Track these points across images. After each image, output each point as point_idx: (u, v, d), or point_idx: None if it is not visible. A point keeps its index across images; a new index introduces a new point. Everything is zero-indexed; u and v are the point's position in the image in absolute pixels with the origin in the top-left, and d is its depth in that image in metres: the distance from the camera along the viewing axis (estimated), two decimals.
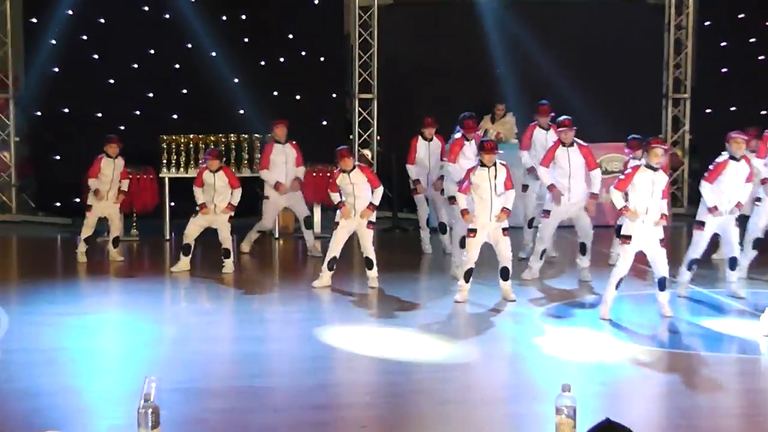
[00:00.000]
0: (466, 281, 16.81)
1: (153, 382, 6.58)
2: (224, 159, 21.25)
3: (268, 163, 20.77)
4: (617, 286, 15.54)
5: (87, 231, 19.88)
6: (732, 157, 16.83)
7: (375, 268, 17.77)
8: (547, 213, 18.30)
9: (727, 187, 16.98)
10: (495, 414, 11.93)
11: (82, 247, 19.91)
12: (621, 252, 15.83)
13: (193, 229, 18.98)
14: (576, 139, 18.11)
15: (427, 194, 20.42)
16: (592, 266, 18.45)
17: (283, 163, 20.35)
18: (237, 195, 19.15)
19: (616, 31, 26.43)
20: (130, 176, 21.20)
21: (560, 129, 18.31)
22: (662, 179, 15.65)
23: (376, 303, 17.31)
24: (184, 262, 18.96)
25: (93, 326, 16.04)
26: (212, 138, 22.32)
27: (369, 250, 17.76)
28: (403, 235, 22.69)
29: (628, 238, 15.45)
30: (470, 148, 18.50)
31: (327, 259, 17.81)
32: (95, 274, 19.46)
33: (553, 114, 19.48)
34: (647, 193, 15.45)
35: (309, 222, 20.74)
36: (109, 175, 19.88)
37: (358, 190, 17.59)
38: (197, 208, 18.98)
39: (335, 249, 17.69)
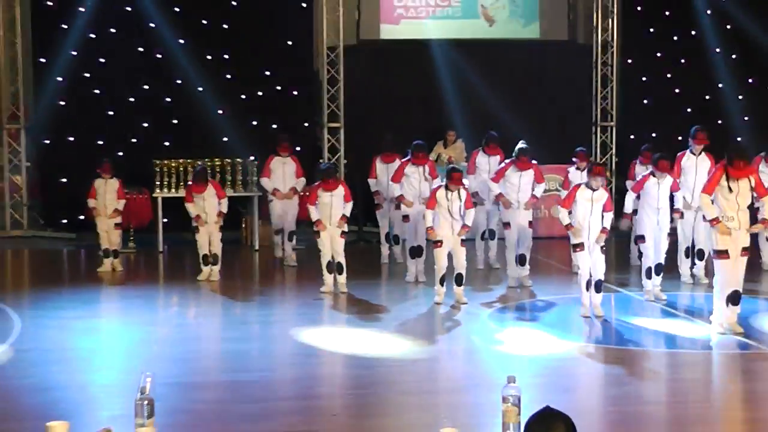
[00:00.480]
0: (441, 285, 16.98)
1: (148, 377, 6.59)
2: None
3: (269, 173, 20.93)
4: (587, 288, 15.78)
5: (103, 243, 20.06)
6: (652, 175, 17.01)
7: (344, 273, 17.90)
8: (507, 225, 18.46)
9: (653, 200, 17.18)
10: (450, 403, 12.07)
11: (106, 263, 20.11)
12: (578, 259, 16.11)
13: (204, 240, 19.12)
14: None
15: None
16: (535, 273, 18.62)
17: (281, 173, 20.40)
18: (225, 204, 19.33)
19: (552, 68, 26.60)
20: (128, 196, 21.34)
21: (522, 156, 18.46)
22: (602, 196, 15.87)
23: (346, 306, 17.37)
24: (206, 270, 19.07)
25: (96, 328, 16.16)
26: (199, 162, 22.38)
27: (341, 256, 17.87)
28: (367, 246, 22.77)
29: (580, 245, 15.75)
30: (415, 171, 18.63)
31: (324, 265, 17.90)
32: (97, 282, 19.52)
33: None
34: (587, 210, 15.66)
35: (291, 235, 20.81)
36: (102, 195, 19.96)
37: (337, 203, 17.78)
38: (194, 223, 19.11)
39: (328, 255, 17.83)
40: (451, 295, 17.08)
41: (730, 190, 14.84)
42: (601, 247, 15.78)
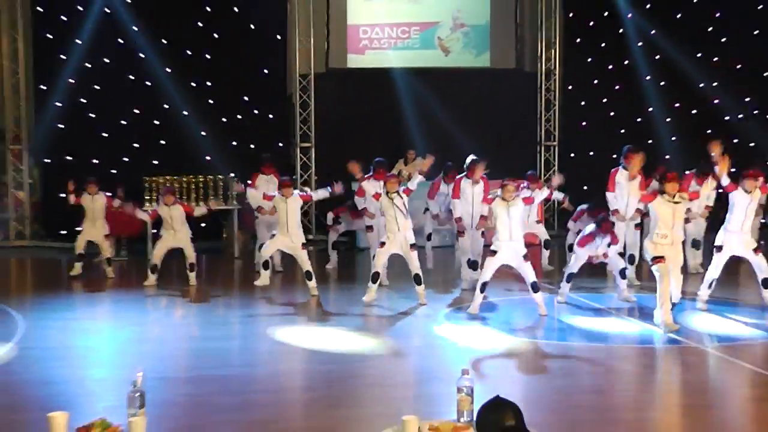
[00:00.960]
0: (374, 282, 17.12)
1: (139, 372, 6.61)
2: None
3: (255, 187, 20.84)
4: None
5: (77, 249, 20.02)
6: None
7: (314, 279, 17.90)
8: (461, 233, 18.54)
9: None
10: (410, 394, 12.11)
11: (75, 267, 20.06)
12: (487, 263, 16.16)
13: (160, 249, 19.12)
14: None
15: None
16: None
17: (265, 190, 20.29)
18: (199, 211, 19.56)
19: (501, 93, 26.71)
20: (120, 209, 21.37)
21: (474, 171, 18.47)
22: (517, 207, 16.08)
23: (315, 308, 17.42)
24: (152, 278, 19.14)
25: (92, 329, 16.16)
26: (185, 179, 22.38)
27: (307, 265, 17.94)
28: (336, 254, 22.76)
29: (494, 253, 15.96)
30: (376, 185, 18.62)
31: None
32: (92, 287, 19.48)
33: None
34: (505, 219, 15.88)
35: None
36: (92, 210, 19.94)
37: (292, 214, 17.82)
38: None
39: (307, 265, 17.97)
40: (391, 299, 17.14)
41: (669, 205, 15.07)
42: (524, 256, 16.00)
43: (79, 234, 20.12)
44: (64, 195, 21.54)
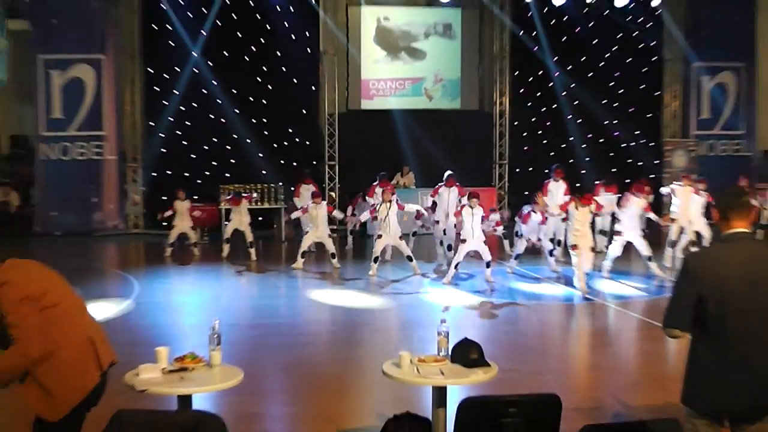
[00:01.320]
0: (375, 262, 17.13)
1: (216, 320, 6.62)
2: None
3: (299, 195, 21.08)
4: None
5: (170, 239, 20.09)
6: (533, 210, 17.16)
7: (336, 258, 17.92)
8: (437, 222, 18.40)
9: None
10: (409, 334, 12.24)
11: (168, 250, 20.12)
12: (460, 249, 16.27)
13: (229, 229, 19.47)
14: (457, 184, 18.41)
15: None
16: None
17: (307, 195, 20.25)
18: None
19: (468, 127, 26.70)
20: (201, 208, 21.64)
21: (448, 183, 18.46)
22: (478, 211, 16.14)
23: (336, 277, 17.41)
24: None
25: (184, 290, 16.27)
26: (248, 186, 22.42)
27: (332, 248, 18.03)
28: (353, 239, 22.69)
29: (464, 241, 16.03)
30: (378, 191, 18.63)
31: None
32: (184, 262, 19.54)
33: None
34: (470, 220, 15.83)
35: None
36: (181, 211, 19.98)
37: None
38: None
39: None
40: (390, 271, 17.16)
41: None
42: (483, 241, 16.10)
43: (172, 229, 20.11)
44: (165, 198, 21.61)
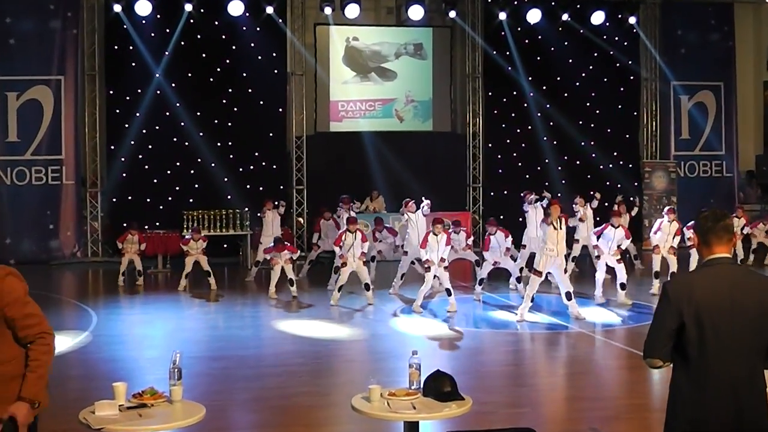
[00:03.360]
0: (338, 292, 17.07)
1: (178, 353, 6.58)
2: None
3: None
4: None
5: (122, 268, 20.06)
6: (490, 233, 17.22)
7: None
8: (405, 252, 18.49)
9: (496, 252, 17.39)
10: (377, 366, 12.15)
11: (120, 278, 20.02)
12: (427, 276, 16.36)
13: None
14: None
15: None
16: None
17: (270, 220, 20.57)
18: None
19: (440, 149, 26.72)
20: (164, 235, 21.61)
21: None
22: (443, 238, 16.23)
23: (299, 306, 17.36)
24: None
25: (144, 321, 16.15)
26: (212, 212, 22.37)
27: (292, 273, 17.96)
28: (322, 266, 22.60)
29: (429, 269, 16.19)
30: (343, 216, 18.81)
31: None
32: (144, 290, 19.40)
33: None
34: (436, 247, 15.85)
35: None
36: (131, 241, 19.93)
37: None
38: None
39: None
40: (352, 300, 17.13)
41: (555, 229, 15.15)
42: (445, 268, 16.14)
43: (123, 258, 20.11)
44: (125, 225, 21.47)
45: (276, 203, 21.01)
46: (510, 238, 17.68)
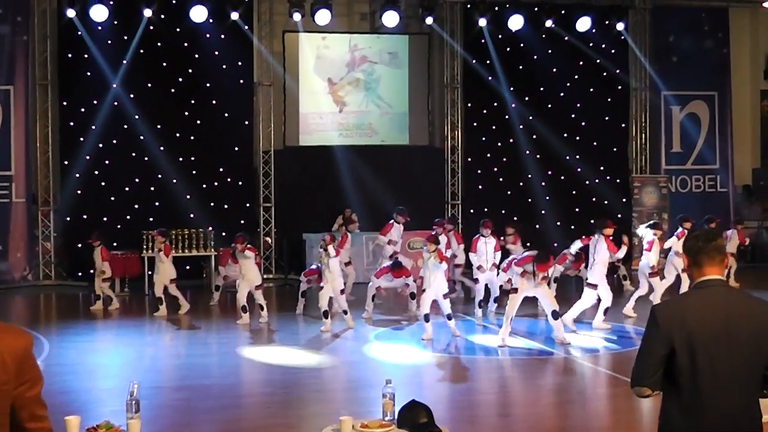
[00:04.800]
0: (325, 318, 16.90)
1: (135, 383, 6.59)
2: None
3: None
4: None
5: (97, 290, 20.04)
6: (482, 235, 17.33)
7: (265, 310, 17.74)
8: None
9: (482, 256, 17.44)
10: (349, 396, 12.15)
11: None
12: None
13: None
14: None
15: None
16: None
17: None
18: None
19: (417, 164, 26.73)
20: (123, 256, 21.56)
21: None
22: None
23: (267, 332, 17.33)
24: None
25: (100, 349, 16.06)
26: (174, 232, 22.28)
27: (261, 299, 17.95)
28: (291, 289, 22.57)
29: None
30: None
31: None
32: (101, 316, 19.31)
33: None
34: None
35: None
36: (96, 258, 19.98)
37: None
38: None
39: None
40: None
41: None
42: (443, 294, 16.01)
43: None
44: (80, 245, 21.41)
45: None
46: (499, 252, 17.77)
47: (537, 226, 25.51)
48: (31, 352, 4.46)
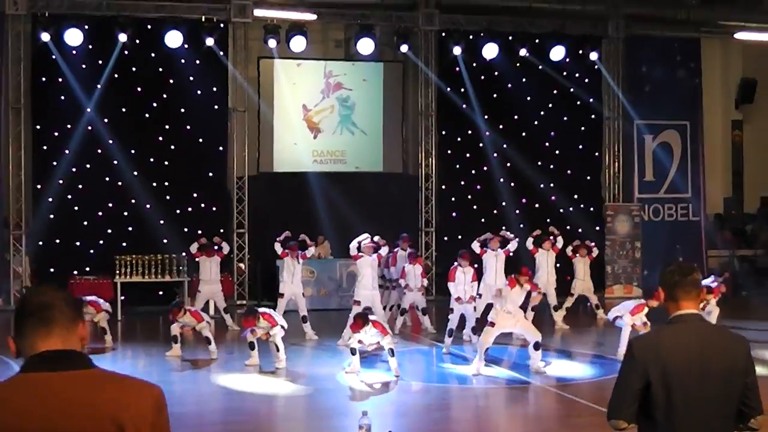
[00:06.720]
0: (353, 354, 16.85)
1: None
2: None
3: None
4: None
5: None
6: (460, 265, 17.45)
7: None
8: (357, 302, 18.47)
9: (460, 285, 17.52)
10: (323, 425, 12.11)
11: None
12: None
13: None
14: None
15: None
16: None
17: (208, 266, 20.61)
18: None
19: (391, 191, 26.82)
20: (95, 281, 21.47)
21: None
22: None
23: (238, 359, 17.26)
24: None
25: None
26: (146, 257, 22.34)
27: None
28: None
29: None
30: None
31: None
32: None
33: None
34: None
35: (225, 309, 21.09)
36: None
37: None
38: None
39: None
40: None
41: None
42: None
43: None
44: (53, 270, 21.33)
45: (216, 247, 20.99)
46: (476, 283, 17.88)
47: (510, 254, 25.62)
48: (161, 408, 3.74)
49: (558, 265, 21.41)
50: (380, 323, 15.45)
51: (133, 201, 24.39)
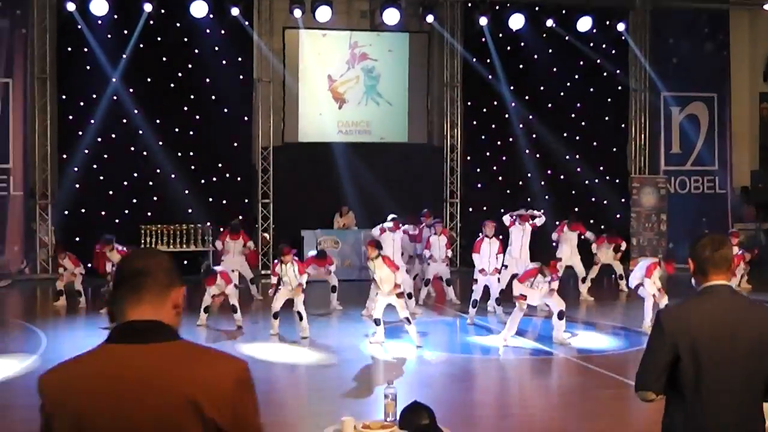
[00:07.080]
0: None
1: None
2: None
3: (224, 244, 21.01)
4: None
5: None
6: (486, 236, 17.41)
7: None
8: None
9: (485, 257, 17.48)
10: (353, 395, 12.10)
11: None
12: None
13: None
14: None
15: None
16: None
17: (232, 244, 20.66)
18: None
19: (416, 162, 26.69)
20: (121, 252, 21.49)
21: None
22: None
23: (261, 329, 17.26)
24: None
25: (96, 343, 15.96)
26: (172, 227, 22.46)
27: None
28: None
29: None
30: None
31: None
32: (94, 307, 19.29)
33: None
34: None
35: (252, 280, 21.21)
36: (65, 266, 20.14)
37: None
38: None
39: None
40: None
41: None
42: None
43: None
44: (78, 239, 21.39)
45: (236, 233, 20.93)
46: (502, 255, 17.85)
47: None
48: (243, 386, 3.46)
49: (583, 237, 21.26)
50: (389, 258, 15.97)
51: (158, 171, 24.43)
